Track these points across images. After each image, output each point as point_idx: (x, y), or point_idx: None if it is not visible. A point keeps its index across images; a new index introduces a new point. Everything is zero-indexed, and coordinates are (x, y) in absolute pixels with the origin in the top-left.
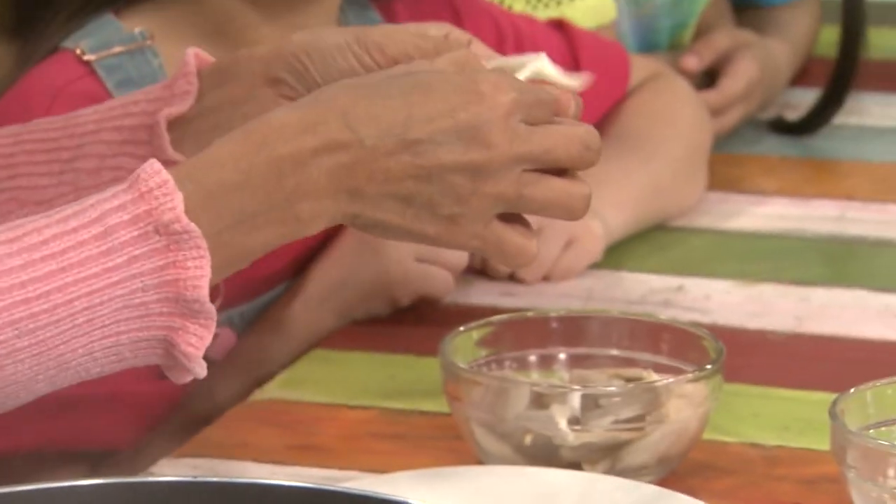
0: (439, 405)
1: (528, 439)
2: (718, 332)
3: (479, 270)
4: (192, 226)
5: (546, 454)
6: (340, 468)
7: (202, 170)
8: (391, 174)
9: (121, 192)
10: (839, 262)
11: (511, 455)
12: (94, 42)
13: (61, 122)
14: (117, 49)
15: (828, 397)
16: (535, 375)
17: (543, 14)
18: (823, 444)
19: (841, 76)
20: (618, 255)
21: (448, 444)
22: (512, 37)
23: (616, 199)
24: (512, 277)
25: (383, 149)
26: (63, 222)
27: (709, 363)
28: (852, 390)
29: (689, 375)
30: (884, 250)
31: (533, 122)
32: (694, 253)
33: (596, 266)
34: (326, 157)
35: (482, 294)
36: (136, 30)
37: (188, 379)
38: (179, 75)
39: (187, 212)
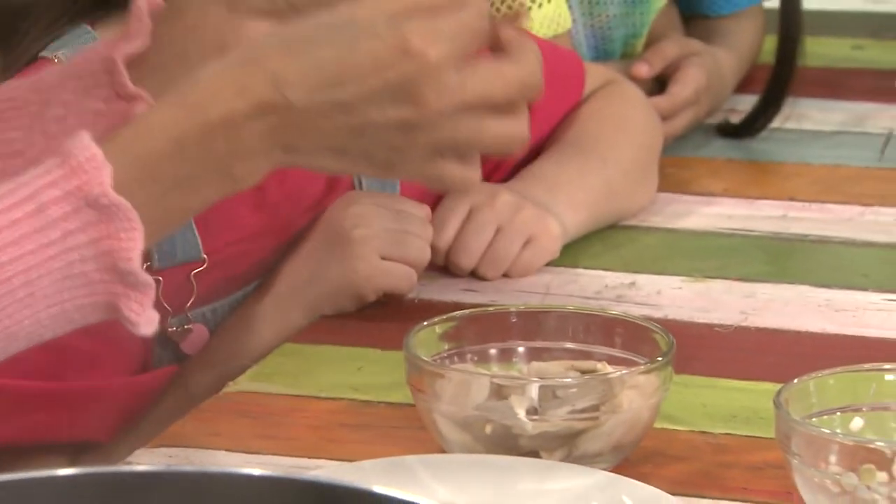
0: (404, 397)
1: (488, 429)
2: (669, 325)
3: (442, 267)
4: (121, 199)
5: (505, 443)
6: (309, 457)
7: (135, 140)
8: (324, 132)
9: (53, 166)
10: (782, 259)
11: (472, 444)
12: (71, 51)
13: (28, 82)
14: None
15: (773, 387)
16: (495, 368)
17: None
18: (769, 432)
19: (778, 81)
20: (574, 252)
21: (412, 433)
22: None
23: (572, 200)
24: (473, 274)
25: (314, 110)
26: None
27: (660, 356)
28: (796, 381)
29: (641, 367)
30: (824, 248)
31: (471, 53)
32: (646, 251)
33: (553, 263)
34: (258, 119)
35: (445, 290)
36: None
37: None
38: (132, 18)
39: (122, 183)
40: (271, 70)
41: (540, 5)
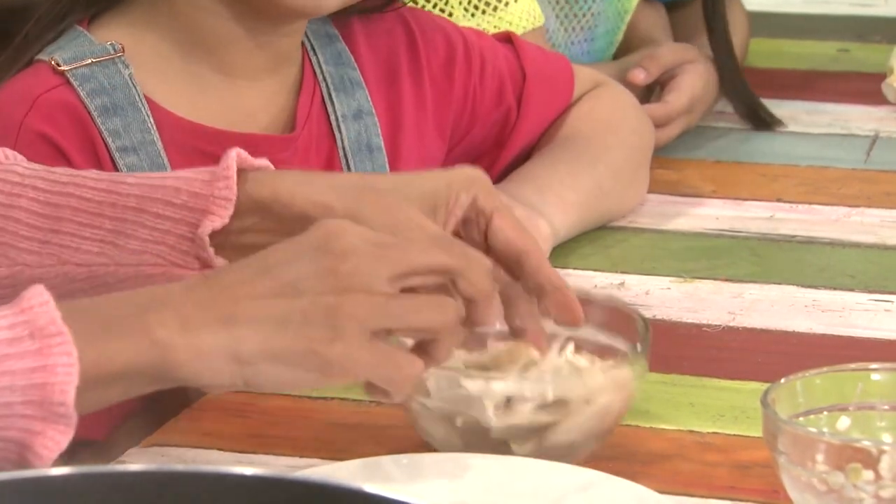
0: None
1: (459, 421)
2: (657, 325)
3: None
4: (66, 329)
5: (477, 435)
6: (301, 456)
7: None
8: (256, 294)
9: (3, 307)
10: (770, 259)
11: (447, 435)
12: (67, 54)
13: (105, 185)
14: (90, 60)
15: (760, 387)
16: (463, 355)
17: (481, 19)
18: (756, 432)
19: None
20: (564, 253)
21: (403, 432)
22: (462, 49)
23: (562, 201)
24: None
25: (242, 279)
26: None
27: (637, 342)
28: (783, 380)
29: (612, 362)
30: (811, 248)
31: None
32: (635, 252)
33: None
34: (189, 292)
35: None
36: (108, 43)
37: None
38: (220, 176)
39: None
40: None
41: (506, 3)
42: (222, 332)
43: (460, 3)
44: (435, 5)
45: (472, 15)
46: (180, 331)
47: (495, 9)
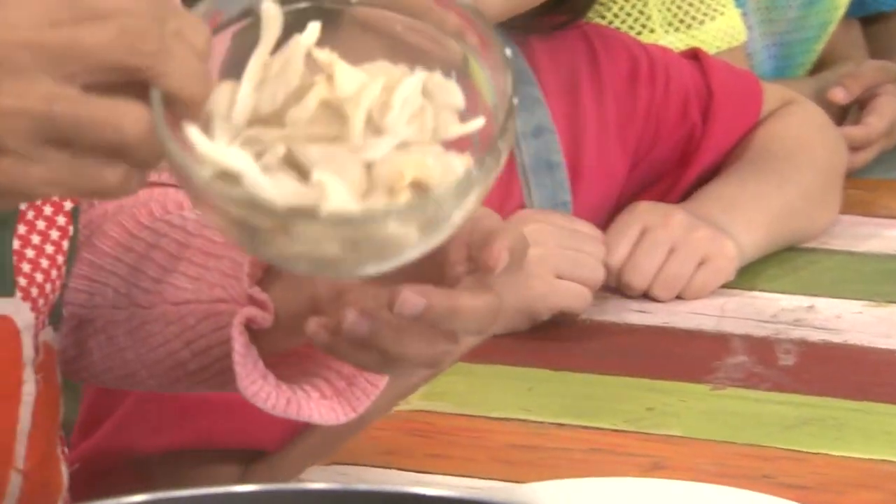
0: (576, 418)
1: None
2: (849, 350)
3: (614, 288)
4: None
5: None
6: (480, 477)
7: None
8: None
9: None
10: None
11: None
12: None
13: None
14: None
15: None
16: None
17: (675, 37)
18: None
19: None
20: (751, 274)
21: (583, 455)
22: (646, 65)
23: (749, 220)
24: (646, 295)
25: None
26: None
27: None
28: None
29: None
30: None
31: None
32: (825, 274)
33: (728, 285)
34: None
35: (617, 311)
36: None
37: None
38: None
39: None
40: None
41: (713, 18)
42: None
43: (661, 17)
44: (636, 20)
45: (676, 29)
46: None
47: (689, 27)
